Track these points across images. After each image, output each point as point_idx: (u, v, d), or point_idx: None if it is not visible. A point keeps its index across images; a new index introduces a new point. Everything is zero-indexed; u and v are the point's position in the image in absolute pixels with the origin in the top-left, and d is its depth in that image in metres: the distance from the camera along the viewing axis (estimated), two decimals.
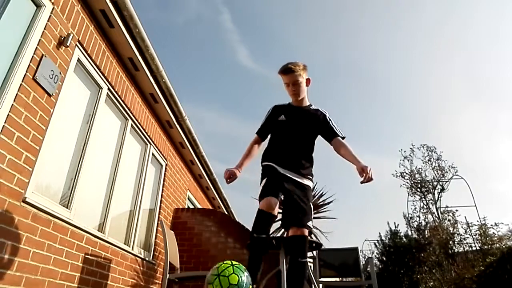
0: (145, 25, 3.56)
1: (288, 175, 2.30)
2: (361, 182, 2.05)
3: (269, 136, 2.56)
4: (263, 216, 2.09)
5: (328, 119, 2.50)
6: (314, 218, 6.52)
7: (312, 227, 2.35)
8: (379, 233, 10.37)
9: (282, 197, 2.26)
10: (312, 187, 2.43)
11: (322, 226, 6.61)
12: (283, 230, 6.14)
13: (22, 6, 2.46)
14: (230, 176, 2.28)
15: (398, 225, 9.94)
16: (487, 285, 5.87)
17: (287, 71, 2.41)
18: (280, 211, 2.39)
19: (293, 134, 2.42)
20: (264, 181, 2.28)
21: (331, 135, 2.44)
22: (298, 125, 2.44)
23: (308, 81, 2.50)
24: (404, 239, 9.30)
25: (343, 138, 2.44)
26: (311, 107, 2.54)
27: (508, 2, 16.66)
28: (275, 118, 2.50)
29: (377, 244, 10.51)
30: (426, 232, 9.24)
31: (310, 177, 2.40)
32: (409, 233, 9.67)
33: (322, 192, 6.75)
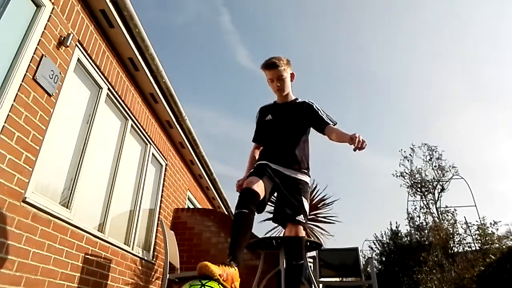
0: (145, 25, 3.57)
1: (281, 170, 2.20)
2: (354, 150, 1.90)
3: None
4: (242, 192, 1.96)
5: (316, 109, 2.36)
6: (317, 219, 6.54)
7: (307, 223, 2.26)
8: (374, 234, 10.39)
9: (270, 183, 2.14)
10: (308, 182, 2.31)
11: (324, 226, 6.64)
12: (283, 230, 6.16)
13: (22, 6, 2.46)
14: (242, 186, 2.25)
15: (399, 225, 9.96)
16: (487, 285, 5.87)
17: (271, 66, 2.30)
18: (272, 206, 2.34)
19: (281, 131, 2.34)
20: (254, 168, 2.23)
21: (322, 125, 2.29)
22: (285, 121, 2.35)
23: (292, 75, 2.41)
24: (405, 239, 9.30)
25: (334, 124, 2.28)
26: (297, 101, 2.43)
27: (508, 2, 16.66)
28: (263, 120, 2.46)
29: (373, 244, 10.52)
30: (426, 232, 9.24)
31: (305, 171, 2.27)
32: (411, 232, 9.67)
33: (325, 196, 6.78)
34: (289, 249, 2.07)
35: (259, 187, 1.99)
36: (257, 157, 2.46)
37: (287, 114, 2.38)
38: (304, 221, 2.08)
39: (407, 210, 10.71)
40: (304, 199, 2.15)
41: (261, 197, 2.00)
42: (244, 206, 1.89)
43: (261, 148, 2.50)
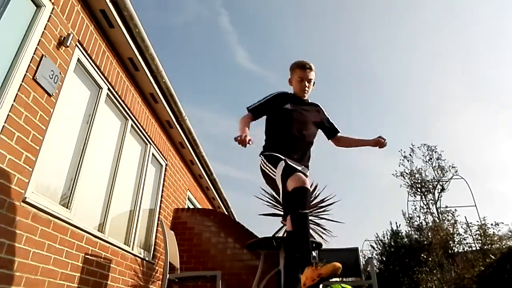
0: (145, 25, 3.57)
1: (296, 167, 2.20)
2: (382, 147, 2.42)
3: (266, 120, 2.46)
4: (303, 191, 1.88)
5: (327, 114, 2.59)
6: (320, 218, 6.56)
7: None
8: (376, 234, 10.39)
9: None
10: None
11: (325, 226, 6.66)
12: (283, 231, 6.17)
13: (22, 6, 2.46)
14: (247, 141, 2.03)
15: (399, 225, 9.96)
16: (487, 285, 5.87)
17: (307, 66, 2.43)
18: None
19: (299, 126, 2.33)
20: (281, 162, 2.09)
21: (333, 131, 2.58)
22: (304, 117, 2.39)
23: (313, 83, 2.55)
24: (406, 239, 9.30)
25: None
26: (309, 100, 2.58)
27: (508, 2, 16.67)
28: (279, 105, 2.38)
29: (375, 244, 10.51)
30: (427, 232, 9.24)
31: (309, 169, 2.43)
32: (411, 232, 9.68)
33: (325, 198, 6.78)
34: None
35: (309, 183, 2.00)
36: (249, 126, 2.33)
37: (307, 110, 2.45)
38: None
39: (407, 210, 10.71)
40: None
41: None
42: (306, 206, 1.88)
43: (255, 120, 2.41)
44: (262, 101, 2.43)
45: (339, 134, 2.58)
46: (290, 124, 2.33)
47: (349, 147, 2.58)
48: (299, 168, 2.22)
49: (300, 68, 2.44)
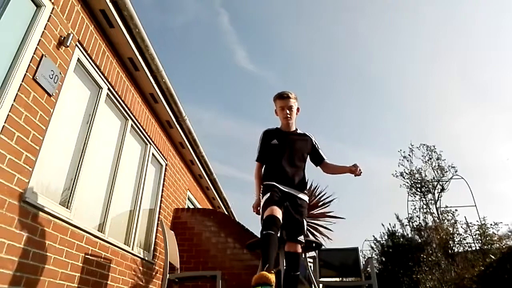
0: (145, 25, 3.56)
1: (288, 190, 2.49)
2: (355, 176, 2.53)
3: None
4: (268, 218, 2.23)
5: (315, 143, 2.77)
6: (317, 218, 6.57)
7: (306, 236, 2.62)
8: (373, 236, 10.42)
9: (281, 208, 2.40)
10: (307, 201, 2.64)
11: (324, 225, 6.66)
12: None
13: (22, 6, 2.46)
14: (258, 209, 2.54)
15: (395, 225, 9.96)
16: (487, 285, 5.87)
17: (284, 96, 2.67)
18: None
19: (286, 155, 2.60)
20: (267, 195, 2.43)
21: (319, 159, 2.77)
22: (290, 147, 2.63)
23: (298, 110, 2.74)
24: (402, 239, 9.30)
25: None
26: (297, 131, 2.76)
27: (508, 2, 16.67)
28: (268, 142, 2.69)
29: (373, 245, 10.53)
30: (427, 232, 9.23)
31: (306, 192, 2.63)
32: (405, 233, 9.70)
33: (324, 194, 6.79)
34: (289, 262, 2.39)
35: (279, 214, 2.29)
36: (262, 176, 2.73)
37: (291, 141, 2.67)
38: (303, 241, 2.40)
39: (407, 210, 10.72)
40: (304, 221, 2.48)
41: (281, 221, 2.30)
42: (270, 228, 2.19)
43: (263, 166, 2.74)
44: (259, 148, 2.74)
45: (325, 161, 2.75)
46: (277, 157, 2.61)
47: (333, 173, 2.75)
48: (289, 191, 2.49)
49: (279, 98, 2.69)
